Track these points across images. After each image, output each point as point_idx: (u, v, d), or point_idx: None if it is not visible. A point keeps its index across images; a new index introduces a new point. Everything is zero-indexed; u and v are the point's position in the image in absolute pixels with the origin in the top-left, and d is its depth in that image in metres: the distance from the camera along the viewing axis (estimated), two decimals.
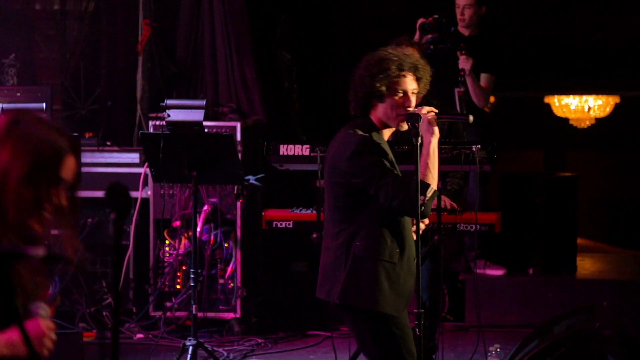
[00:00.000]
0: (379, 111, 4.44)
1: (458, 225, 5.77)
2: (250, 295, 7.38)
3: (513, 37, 9.65)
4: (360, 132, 4.40)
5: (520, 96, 12.60)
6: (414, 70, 4.44)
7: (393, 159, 4.43)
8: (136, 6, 8.18)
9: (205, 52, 8.01)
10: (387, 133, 4.52)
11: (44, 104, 7.35)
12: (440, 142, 4.50)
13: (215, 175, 6.38)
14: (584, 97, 12.83)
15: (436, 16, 6.96)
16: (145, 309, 7.34)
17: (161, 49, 8.19)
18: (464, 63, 7.06)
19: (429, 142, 4.42)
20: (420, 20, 6.91)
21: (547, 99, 13.23)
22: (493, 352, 5.93)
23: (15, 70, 7.90)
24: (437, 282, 5.77)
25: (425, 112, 4.43)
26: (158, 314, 7.24)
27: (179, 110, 6.82)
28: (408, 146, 4.99)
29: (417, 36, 6.83)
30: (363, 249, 4.38)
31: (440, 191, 5.74)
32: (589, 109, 12.95)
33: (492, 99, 13.34)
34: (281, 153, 5.83)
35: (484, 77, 7.28)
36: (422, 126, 4.41)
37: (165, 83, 7.97)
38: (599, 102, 12.89)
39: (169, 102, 6.93)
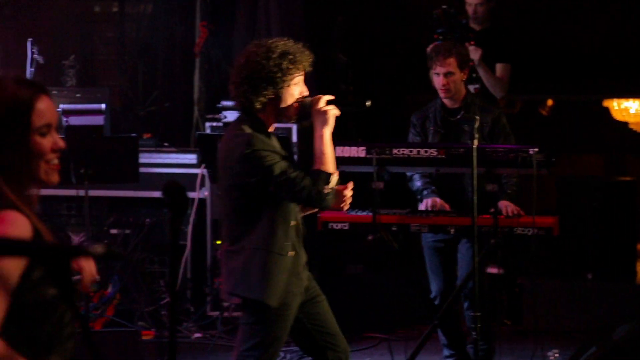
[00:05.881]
0: (272, 103, 4.30)
1: (515, 229, 5.69)
2: None
3: (572, 40, 9.56)
4: (247, 130, 4.26)
5: (578, 99, 12.45)
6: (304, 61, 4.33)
7: (282, 151, 4.31)
8: (193, 8, 8.25)
9: None
10: (273, 127, 4.39)
11: (103, 105, 7.42)
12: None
13: None
14: None
15: (444, 7, 6.89)
16: (202, 309, 7.39)
17: (218, 51, 8.24)
18: (473, 53, 6.95)
19: (321, 135, 4.30)
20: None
21: (606, 103, 13.05)
22: (551, 357, 5.88)
23: (75, 71, 7.97)
24: (481, 281, 5.59)
25: (323, 103, 4.31)
26: (215, 314, 7.28)
27: (235, 111, 6.85)
28: None
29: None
30: (256, 241, 4.28)
31: (500, 195, 5.67)
32: None
33: (549, 102, 13.31)
34: None
35: (499, 67, 7.20)
36: (314, 117, 4.31)
37: (222, 85, 8.00)
38: None
39: (225, 103, 6.96)
